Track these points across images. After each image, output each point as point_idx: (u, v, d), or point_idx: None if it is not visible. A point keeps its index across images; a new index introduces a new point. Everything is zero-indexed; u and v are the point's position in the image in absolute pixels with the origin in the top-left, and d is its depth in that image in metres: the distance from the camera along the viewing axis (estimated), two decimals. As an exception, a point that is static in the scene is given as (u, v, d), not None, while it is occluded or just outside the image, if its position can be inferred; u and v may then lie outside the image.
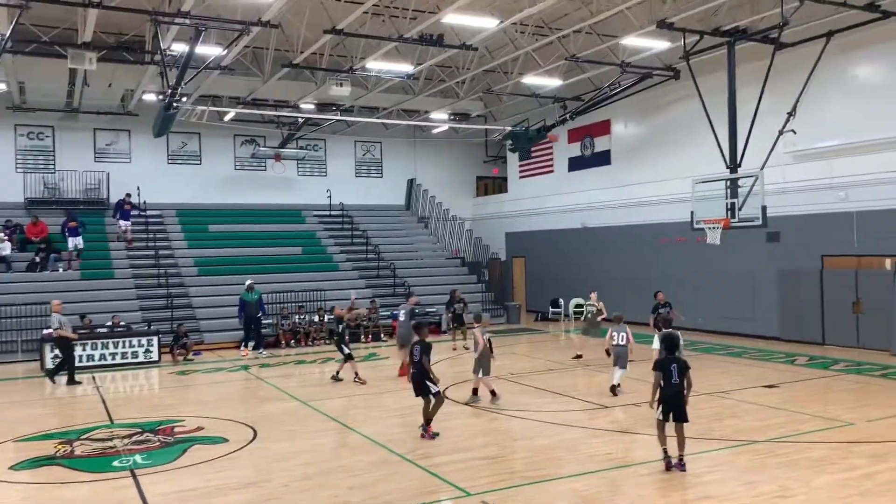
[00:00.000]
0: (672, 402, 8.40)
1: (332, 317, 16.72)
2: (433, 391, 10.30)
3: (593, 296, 17.60)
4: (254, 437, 10.63)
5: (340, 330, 15.34)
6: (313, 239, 27.49)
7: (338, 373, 15.27)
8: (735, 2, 16.88)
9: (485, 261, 30.34)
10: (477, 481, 8.28)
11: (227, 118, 26.24)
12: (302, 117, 26.04)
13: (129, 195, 24.85)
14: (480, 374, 12.59)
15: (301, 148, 29.16)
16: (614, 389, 12.93)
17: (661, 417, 8.46)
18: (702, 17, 17.26)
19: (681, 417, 8.42)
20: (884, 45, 17.23)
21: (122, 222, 24.50)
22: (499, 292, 28.52)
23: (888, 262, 17.11)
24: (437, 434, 10.17)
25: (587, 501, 7.58)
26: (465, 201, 33.15)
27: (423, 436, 10.19)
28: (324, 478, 8.60)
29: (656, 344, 11.16)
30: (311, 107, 25.35)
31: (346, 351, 15.10)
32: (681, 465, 8.39)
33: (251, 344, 19.90)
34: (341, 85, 21.25)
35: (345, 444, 10.40)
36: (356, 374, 14.95)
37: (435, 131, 30.51)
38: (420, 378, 10.35)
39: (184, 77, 17.71)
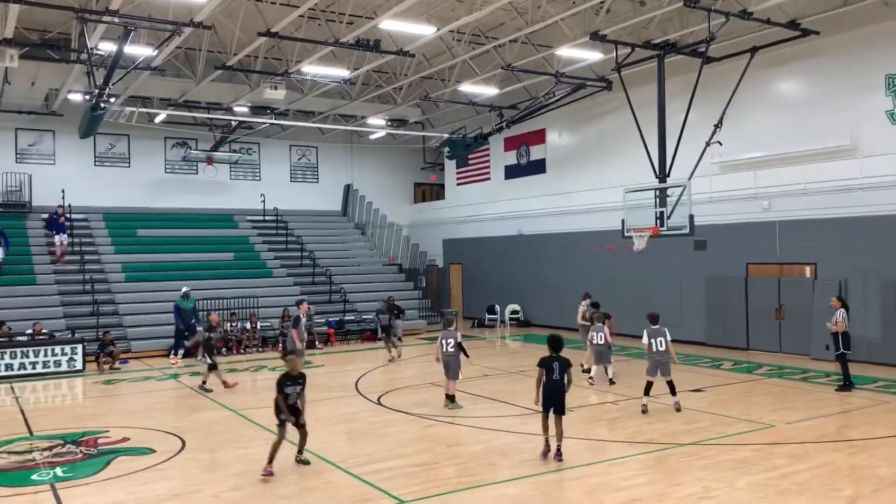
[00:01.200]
0: (553, 396, 9.17)
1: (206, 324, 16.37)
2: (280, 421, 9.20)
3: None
4: (182, 448, 10.35)
5: (206, 338, 15.32)
6: (246, 244, 27.00)
7: (204, 383, 15.10)
8: (665, 16, 17.38)
9: (422, 267, 30.37)
10: (410, 488, 8.26)
11: (157, 120, 25.58)
12: (235, 120, 25.59)
13: (61, 207, 23.86)
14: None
15: (234, 151, 28.63)
16: (611, 381, 13.97)
17: (542, 410, 9.23)
18: (633, 30, 17.72)
19: (560, 410, 9.15)
20: (803, 62, 18.01)
21: (57, 237, 23.44)
22: (435, 299, 28.59)
23: (808, 270, 17.85)
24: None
25: (519, 506, 7.65)
26: (402, 208, 33.14)
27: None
28: (255, 488, 8.44)
29: (645, 339, 12.07)
30: (245, 110, 24.96)
31: (210, 361, 14.93)
32: (558, 455, 9.06)
33: (181, 352, 19.42)
34: (276, 88, 20.98)
35: (278, 453, 10.21)
36: (224, 381, 14.98)
37: (372, 137, 30.42)
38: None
39: (112, 77, 17.18)
